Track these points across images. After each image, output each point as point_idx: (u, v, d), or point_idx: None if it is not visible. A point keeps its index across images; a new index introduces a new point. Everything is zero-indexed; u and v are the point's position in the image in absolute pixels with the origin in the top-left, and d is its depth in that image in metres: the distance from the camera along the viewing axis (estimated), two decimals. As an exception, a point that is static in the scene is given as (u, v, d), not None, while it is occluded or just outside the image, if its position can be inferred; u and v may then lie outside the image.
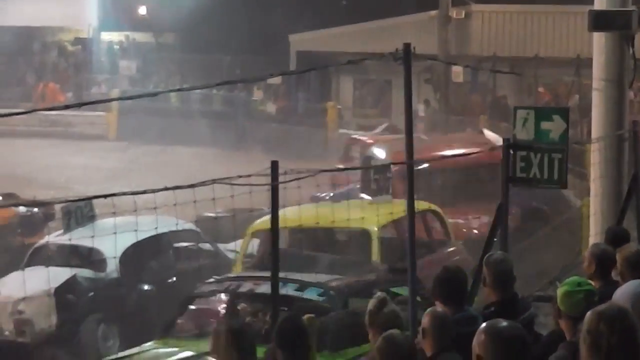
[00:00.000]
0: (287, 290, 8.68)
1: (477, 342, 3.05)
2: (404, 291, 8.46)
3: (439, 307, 5.24)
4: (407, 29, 24.43)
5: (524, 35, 25.33)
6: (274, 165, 6.82)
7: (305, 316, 6.18)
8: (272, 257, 7.46)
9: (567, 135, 7.80)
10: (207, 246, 14.48)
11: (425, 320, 4.65)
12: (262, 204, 10.82)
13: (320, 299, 8.92)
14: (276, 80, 27.41)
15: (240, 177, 7.36)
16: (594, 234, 9.38)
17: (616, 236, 6.93)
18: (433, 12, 27.23)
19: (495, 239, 7.68)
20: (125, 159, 26.09)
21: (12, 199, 15.22)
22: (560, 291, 4.81)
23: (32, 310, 11.28)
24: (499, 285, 5.26)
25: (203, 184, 6.84)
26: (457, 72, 25.12)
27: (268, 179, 6.94)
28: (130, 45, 35.41)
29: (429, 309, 4.89)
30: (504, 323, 3.16)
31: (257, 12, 29.09)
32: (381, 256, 11.63)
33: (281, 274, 8.28)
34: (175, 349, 9.09)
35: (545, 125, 7.78)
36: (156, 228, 12.55)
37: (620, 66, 9.54)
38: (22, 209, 15.40)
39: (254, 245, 12.72)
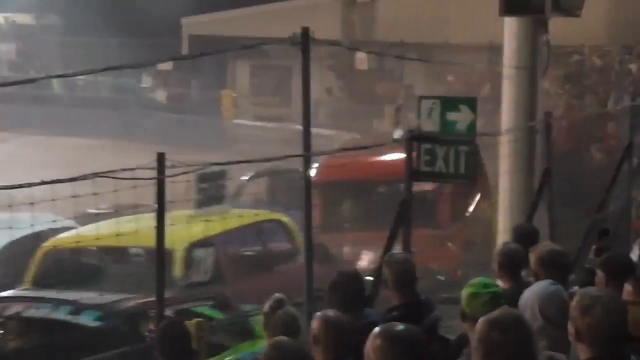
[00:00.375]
0: (59, 314, 8.01)
1: (372, 346, 2.99)
2: (206, 310, 8.20)
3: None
4: (309, 12, 24.07)
5: (434, 20, 25.31)
6: (160, 157, 6.72)
7: (194, 320, 6.32)
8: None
9: (475, 126, 7.82)
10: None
11: (315, 325, 4.32)
12: (149, 199, 9.51)
13: (96, 323, 7.92)
14: (167, 65, 26.83)
15: (124, 170, 7.21)
16: (503, 230, 9.64)
17: (525, 234, 7.02)
18: None
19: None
20: (4, 151, 25.13)
21: None
22: (465, 292, 4.75)
23: None
24: (401, 287, 5.29)
25: (84, 177, 6.73)
26: (362, 59, 25.09)
27: (154, 173, 6.81)
28: (10, 27, 34.29)
29: (318, 313, 4.55)
30: (400, 326, 3.13)
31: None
32: (187, 273, 10.60)
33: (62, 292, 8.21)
34: None
35: (451, 115, 7.82)
36: (32, 225, 11.10)
37: (533, 53, 9.83)
38: None
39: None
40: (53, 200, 8.44)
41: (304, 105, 8.18)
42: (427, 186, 11.51)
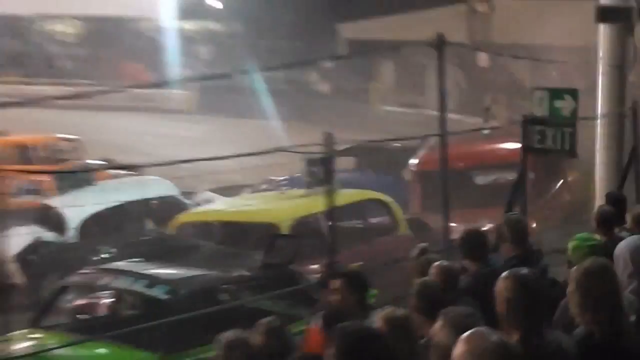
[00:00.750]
0: (136, 286, 7.53)
1: (505, 286, 2.97)
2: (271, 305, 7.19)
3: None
4: (439, 20, 24.32)
5: (539, 25, 24.91)
6: (328, 136, 6.89)
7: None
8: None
9: (577, 112, 7.82)
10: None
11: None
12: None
13: (165, 297, 7.22)
14: (329, 63, 27.45)
15: (299, 146, 7.81)
16: (599, 197, 9.35)
17: (616, 199, 6.98)
18: (461, 6, 27.06)
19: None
20: (204, 130, 26.17)
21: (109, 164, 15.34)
22: (570, 244, 4.88)
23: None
24: (517, 241, 5.20)
25: (267, 151, 7.12)
26: (482, 58, 24.66)
27: (322, 149, 7.06)
28: (205, 32, 35.73)
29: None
30: (523, 270, 3.17)
31: (309, 4, 28.92)
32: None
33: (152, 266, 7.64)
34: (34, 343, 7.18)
35: (557, 103, 7.80)
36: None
37: (623, 53, 9.51)
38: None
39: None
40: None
41: (440, 94, 8.60)
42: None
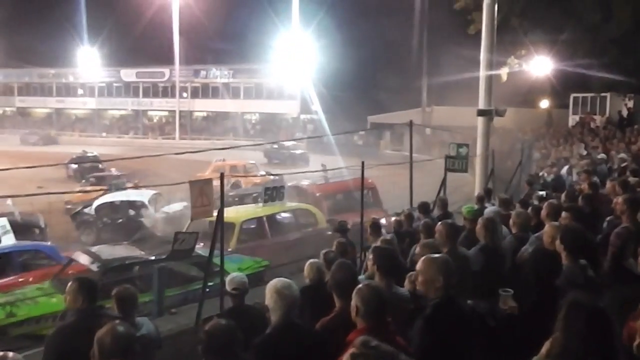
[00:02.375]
0: (86, 262, 10.52)
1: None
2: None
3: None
4: (410, 115, 35.38)
5: (455, 117, 39.80)
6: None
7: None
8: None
9: (468, 153, 14.39)
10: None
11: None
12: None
13: (96, 269, 10.03)
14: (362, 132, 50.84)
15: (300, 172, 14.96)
16: (477, 188, 15.37)
17: (486, 189, 13.18)
18: (419, 109, 50.20)
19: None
20: None
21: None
22: (464, 208, 8.22)
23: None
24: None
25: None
26: (428, 131, 43.17)
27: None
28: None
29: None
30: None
31: (353, 105, 51.33)
32: (239, 240, 13.87)
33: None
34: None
35: (460, 149, 14.70)
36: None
37: (487, 129, 16.54)
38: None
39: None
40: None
41: (410, 146, 14.22)
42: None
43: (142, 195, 20.04)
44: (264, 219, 14.81)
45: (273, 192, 15.16)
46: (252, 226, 14.95)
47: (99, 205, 19.98)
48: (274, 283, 4.35)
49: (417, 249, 5.73)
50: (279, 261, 12.35)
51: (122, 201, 20.21)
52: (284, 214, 15.83)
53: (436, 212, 11.01)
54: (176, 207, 19.31)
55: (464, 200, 15.95)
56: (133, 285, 6.17)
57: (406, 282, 5.39)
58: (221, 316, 4.65)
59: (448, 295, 4.21)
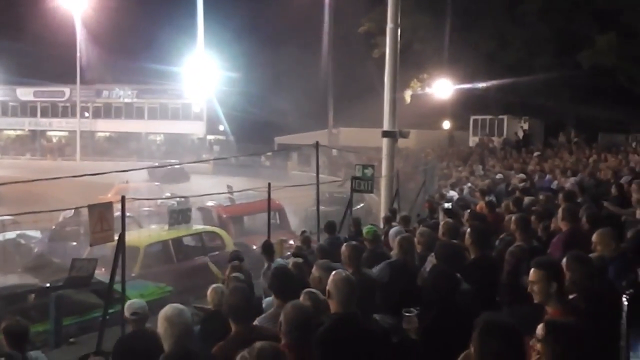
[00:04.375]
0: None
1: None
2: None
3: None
4: (316, 136, 35.54)
5: (361, 138, 40.92)
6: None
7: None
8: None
9: (374, 174, 14.81)
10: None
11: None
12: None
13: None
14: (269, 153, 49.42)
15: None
16: (383, 209, 15.95)
17: (392, 210, 13.23)
18: (325, 130, 49.51)
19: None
20: None
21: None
22: (365, 229, 8.19)
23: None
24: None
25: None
26: (334, 152, 44.82)
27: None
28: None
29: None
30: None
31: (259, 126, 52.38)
32: (143, 265, 13.38)
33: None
34: None
35: (365, 170, 14.79)
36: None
37: (392, 150, 17.02)
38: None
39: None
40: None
41: (316, 166, 14.53)
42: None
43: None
44: (170, 242, 14.46)
45: (179, 215, 14.81)
46: (157, 250, 14.50)
47: None
48: (165, 310, 4.28)
49: (313, 269, 5.82)
50: (186, 286, 12.16)
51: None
52: (190, 237, 15.52)
53: (349, 231, 11.31)
54: (9, 235, 18.23)
55: (372, 220, 16.37)
56: (27, 315, 5.87)
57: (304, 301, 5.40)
58: (98, 354, 4.46)
59: (346, 312, 4.25)
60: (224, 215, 18.50)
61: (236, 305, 4.54)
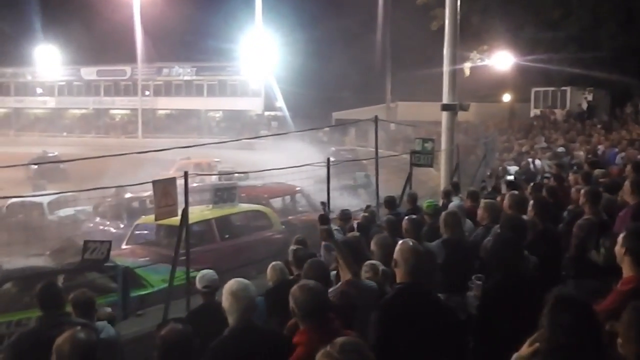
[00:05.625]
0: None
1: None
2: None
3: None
4: (374, 110, 34.97)
5: (418, 112, 40.90)
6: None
7: None
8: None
9: (434, 147, 14.61)
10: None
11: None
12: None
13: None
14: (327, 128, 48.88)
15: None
16: (443, 183, 15.88)
17: (454, 183, 13.01)
18: (383, 105, 47.63)
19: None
20: None
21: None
22: (425, 203, 8.43)
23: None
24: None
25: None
26: (392, 126, 43.68)
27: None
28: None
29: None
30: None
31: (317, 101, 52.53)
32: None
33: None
34: None
35: (425, 144, 14.55)
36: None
37: (452, 124, 16.76)
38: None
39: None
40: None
41: (376, 142, 14.39)
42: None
43: (42, 197, 19.40)
44: (213, 221, 13.97)
45: (223, 194, 14.33)
46: (200, 230, 13.98)
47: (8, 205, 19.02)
48: (230, 285, 4.28)
49: (372, 244, 5.84)
50: (230, 266, 11.83)
51: (22, 202, 19.40)
52: (235, 217, 15.07)
53: (405, 207, 11.14)
54: (68, 211, 18.80)
55: (430, 194, 16.19)
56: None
57: (364, 273, 5.36)
58: (178, 320, 4.55)
59: (413, 282, 4.13)
60: (265, 195, 18.14)
61: (315, 279, 4.40)
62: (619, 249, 3.99)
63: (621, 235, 4.03)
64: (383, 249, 5.62)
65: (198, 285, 6.10)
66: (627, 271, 3.91)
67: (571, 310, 2.99)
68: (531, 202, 6.78)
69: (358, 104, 49.28)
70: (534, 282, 4.53)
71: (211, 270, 6.38)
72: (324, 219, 6.78)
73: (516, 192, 7.83)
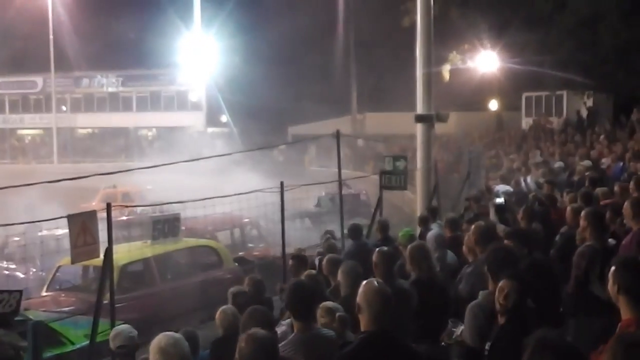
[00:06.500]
0: None
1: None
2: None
3: None
4: (338, 124, 32.56)
5: (389, 125, 42.92)
6: None
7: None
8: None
9: (407, 167, 14.90)
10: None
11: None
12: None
13: None
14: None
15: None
16: (419, 208, 15.58)
17: (432, 208, 13.45)
18: (348, 117, 48.30)
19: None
20: None
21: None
22: (400, 233, 8.71)
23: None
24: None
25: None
26: (359, 142, 44.41)
27: None
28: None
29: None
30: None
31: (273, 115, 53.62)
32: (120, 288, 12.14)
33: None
34: None
35: (397, 163, 14.91)
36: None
37: (428, 137, 16.56)
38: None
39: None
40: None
41: (338, 160, 14.32)
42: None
43: None
44: (152, 260, 13.80)
45: (164, 226, 14.08)
46: (137, 270, 13.96)
47: None
48: (158, 340, 4.30)
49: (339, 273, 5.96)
50: (172, 313, 12.05)
51: None
52: (179, 253, 14.87)
53: (375, 237, 11.26)
54: None
55: (406, 222, 16.14)
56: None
57: (320, 318, 5.40)
58: None
59: (379, 330, 4.15)
60: (209, 227, 18.35)
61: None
62: (611, 287, 3.97)
63: (611, 270, 4.00)
64: (352, 279, 5.72)
65: (111, 344, 6.04)
66: (624, 313, 3.89)
67: (554, 356, 3.01)
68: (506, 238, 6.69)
69: (319, 117, 49.31)
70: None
71: (127, 326, 6.37)
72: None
73: (481, 222, 7.56)
